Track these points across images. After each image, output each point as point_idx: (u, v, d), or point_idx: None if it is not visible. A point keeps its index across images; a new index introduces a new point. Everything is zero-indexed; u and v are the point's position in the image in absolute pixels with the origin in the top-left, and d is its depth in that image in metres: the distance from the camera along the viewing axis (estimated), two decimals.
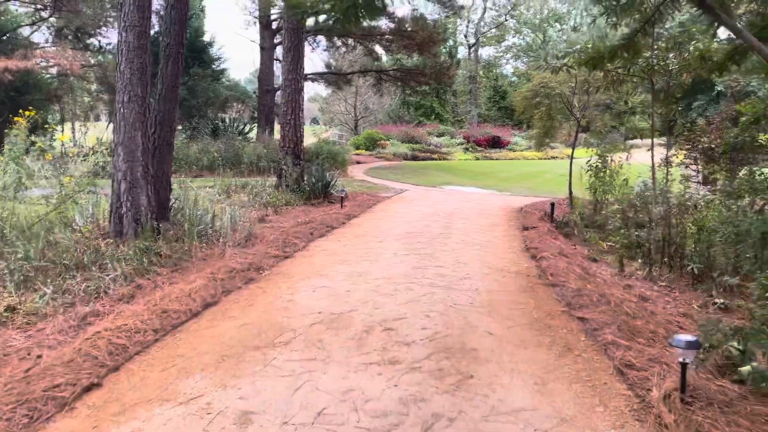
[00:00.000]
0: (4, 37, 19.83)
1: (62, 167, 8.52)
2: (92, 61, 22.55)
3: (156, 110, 7.63)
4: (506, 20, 46.83)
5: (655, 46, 6.76)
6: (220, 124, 19.82)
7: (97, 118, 32.09)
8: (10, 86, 17.51)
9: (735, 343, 4.05)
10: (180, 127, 20.22)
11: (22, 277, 5.29)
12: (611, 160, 10.26)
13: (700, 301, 5.88)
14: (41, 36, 23.31)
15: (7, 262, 5.40)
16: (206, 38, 24.62)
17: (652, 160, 7.19)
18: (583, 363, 3.97)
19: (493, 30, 47.03)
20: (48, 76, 21.92)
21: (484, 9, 45.04)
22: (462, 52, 44.08)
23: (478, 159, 27.51)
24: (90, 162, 14.10)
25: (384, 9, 3.55)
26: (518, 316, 4.90)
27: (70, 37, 22.44)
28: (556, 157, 28.94)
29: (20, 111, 7.89)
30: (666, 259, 6.89)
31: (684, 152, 11.52)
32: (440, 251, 7.42)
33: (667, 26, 6.71)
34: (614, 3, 4.13)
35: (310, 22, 20.42)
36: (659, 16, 4.07)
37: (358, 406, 3.28)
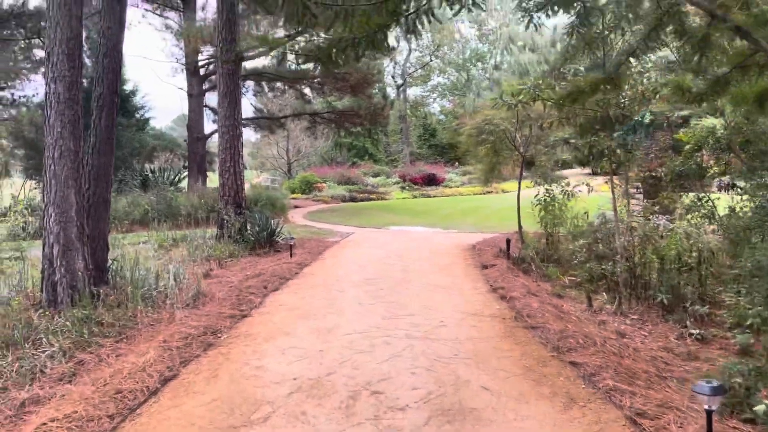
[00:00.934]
0: None
1: None
2: (5, 116, 21.23)
3: (90, 165, 7.03)
4: (431, 60, 48.14)
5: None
6: (149, 175, 18.94)
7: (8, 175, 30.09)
8: None
9: (739, 379, 3.93)
10: None
11: None
12: (564, 193, 10.32)
13: (675, 333, 5.83)
14: None
15: None
16: (129, 87, 23.75)
17: (612, 192, 7.21)
18: (591, 415, 3.72)
19: (419, 70, 48.19)
20: None
21: (410, 50, 46.17)
22: (391, 93, 44.82)
23: (415, 197, 27.60)
24: (9, 223, 13.02)
25: (388, 49, 3.29)
26: (509, 365, 4.63)
27: None
28: (491, 192, 29.48)
29: None
30: (632, 291, 6.86)
31: (618, 182, 11.82)
32: (406, 297, 7.11)
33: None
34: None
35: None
36: (644, 47, 3.99)
37: None
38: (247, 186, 22.08)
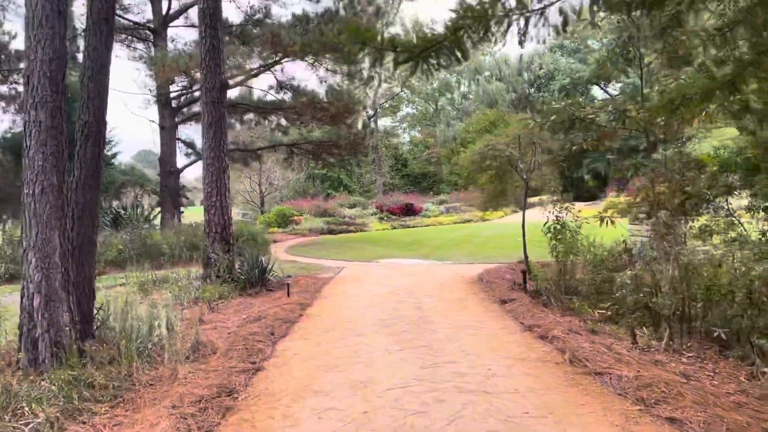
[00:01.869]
0: None
1: None
2: None
3: (74, 202, 6.18)
4: (401, 91, 48.20)
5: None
6: (121, 212, 17.88)
7: None
8: None
9: None
10: None
11: None
12: (574, 219, 9.83)
13: (744, 372, 5.27)
14: None
15: None
16: None
17: (649, 217, 6.69)
18: None
19: (389, 102, 48.15)
20: None
21: (380, 80, 46.16)
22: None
23: (395, 228, 26.99)
24: None
25: (466, 57, 2.75)
26: (595, 426, 3.96)
27: None
28: (470, 221, 29.13)
29: None
30: (682, 326, 6.31)
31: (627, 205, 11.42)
32: (435, 341, 6.40)
33: None
34: None
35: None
36: None
37: None
38: None
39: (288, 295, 9.62)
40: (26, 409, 4.56)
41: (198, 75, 21.23)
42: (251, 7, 20.55)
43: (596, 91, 47.58)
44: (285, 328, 7.41)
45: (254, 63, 21.03)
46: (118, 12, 20.26)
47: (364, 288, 10.51)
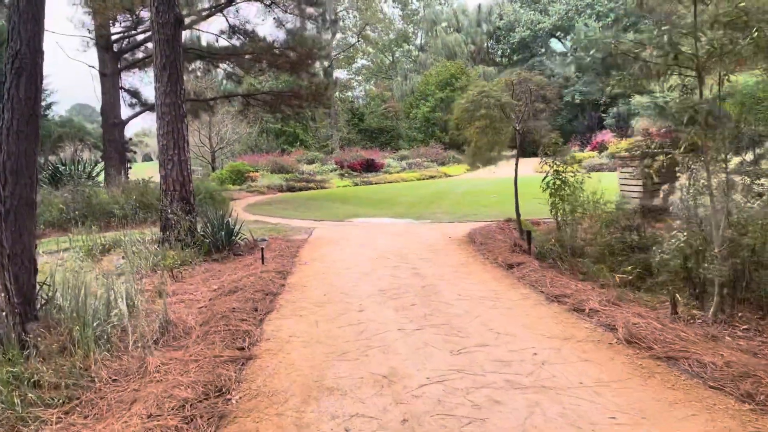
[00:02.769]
0: None
1: None
2: None
3: (6, 153, 4.85)
4: (358, 41, 46.19)
5: None
6: (60, 168, 16.05)
7: None
8: None
9: None
10: None
11: None
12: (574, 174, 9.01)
13: None
14: None
15: None
16: None
17: (708, 170, 5.81)
18: None
19: (343, 53, 46.14)
20: None
21: (334, 32, 44.04)
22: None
23: (357, 185, 25.83)
24: None
25: None
26: None
27: None
28: (434, 177, 28.27)
29: None
30: (732, 293, 5.58)
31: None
32: (454, 316, 5.47)
33: None
34: None
35: None
36: None
37: None
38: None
39: (262, 261, 8.49)
40: None
41: (144, 13, 19.29)
42: None
43: (555, 44, 47.02)
44: (269, 302, 6.34)
45: (205, 3, 19.18)
46: None
47: (348, 252, 9.47)
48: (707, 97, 5.58)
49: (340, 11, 37.71)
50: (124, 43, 19.34)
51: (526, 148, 10.51)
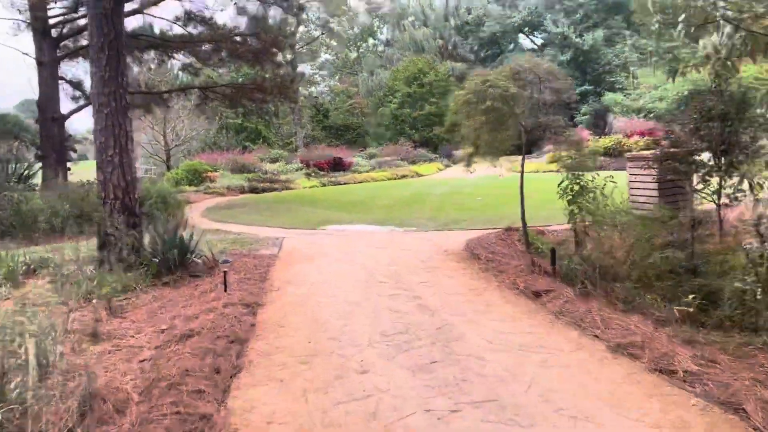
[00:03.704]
0: None
1: None
2: None
3: None
4: (322, 34, 44.26)
5: None
6: None
7: None
8: None
9: None
10: None
11: None
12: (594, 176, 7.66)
13: None
14: None
15: None
16: None
17: None
18: None
19: (306, 47, 44.18)
20: None
21: (297, 23, 42.07)
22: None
23: (325, 185, 24.14)
24: None
25: None
26: None
27: None
28: (406, 176, 26.79)
29: None
30: None
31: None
32: (497, 384, 3.94)
33: None
34: None
35: None
36: None
37: None
38: None
39: (225, 288, 6.83)
40: None
41: None
42: None
43: (523, 41, 46.19)
44: (235, 357, 4.72)
45: None
46: None
47: (329, 270, 7.88)
48: None
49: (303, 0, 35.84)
50: (65, 28, 17.19)
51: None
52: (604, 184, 7.77)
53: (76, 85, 18.96)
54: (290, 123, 38.29)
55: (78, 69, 19.08)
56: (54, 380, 3.96)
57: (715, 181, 7.06)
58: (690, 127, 7.80)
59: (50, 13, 16.70)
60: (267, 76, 17.98)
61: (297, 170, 26.38)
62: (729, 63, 4.90)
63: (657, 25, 4.64)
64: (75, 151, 19.10)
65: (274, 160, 28.21)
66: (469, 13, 43.96)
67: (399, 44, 44.24)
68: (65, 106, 18.37)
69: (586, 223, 7.47)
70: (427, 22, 44.36)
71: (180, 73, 24.42)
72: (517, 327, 5.18)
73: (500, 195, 15.84)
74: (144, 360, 4.84)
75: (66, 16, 17.01)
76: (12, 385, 3.71)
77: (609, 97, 32.66)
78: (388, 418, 3.49)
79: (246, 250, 9.50)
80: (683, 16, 4.12)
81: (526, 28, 43.57)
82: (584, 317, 5.25)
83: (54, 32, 16.96)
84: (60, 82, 17.74)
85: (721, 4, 3.84)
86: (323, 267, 8.12)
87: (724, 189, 6.89)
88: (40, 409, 3.54)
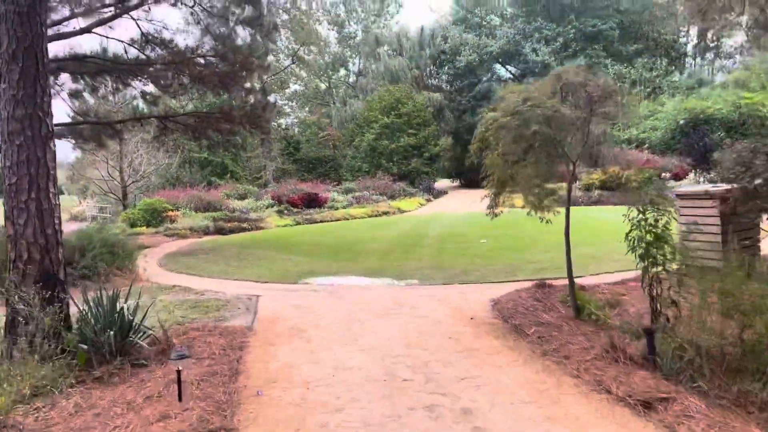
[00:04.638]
0: None
1: None
2: None
3: None
4: (294, 62, 42.50)
5: None
6: None
7: None
8: None
9: None
10: None
11: None
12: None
13: None
14: None
15: None
16: None
17: None
18: None
19: (274, 76, 42.32)
20: None
21: (266, 50, 40.23)
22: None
23: (299, 223, 21.95)
24: None
25: None
26: None
27: None
28: (388, 213, 24.80)
29: None
30: None
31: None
32: None
33: None
34: None
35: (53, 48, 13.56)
36: None
37: None
38: (69, 222, 15.26)
39: (179, 396, 4.66)
40: None
41: None
42: None
43: (499, 70, 45.25)
44: None
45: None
46: None
47: (327, 359, 5.76)
48: None
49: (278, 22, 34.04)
50: None
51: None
52: (690, 230, 5.94)
53: None
54: (259, 156, 36.11)
55: None
56: None
57: None
58: None
59: None
60: (235, 104, 15.93)
61: (268, 207, 24.16)
62: None
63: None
64: None
65: (242, 197, 25.92)
66: (445, 42, 42.80)
67: (374, 74, 42.69)
68: None
69: (666, 284, 5.59)
70: (403, 51, 43.06)
71: (140, 102, 22.14)
72: None
73: (504, 236, 13.97)
74: None
75: None
76: None
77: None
78: None
79: (211, 320, 7.32)
80: None
81: (501, 58, 42.62)
82: None
83: None
84: None
85: None
86: (318, 351, 5.99)
87: None
88: None
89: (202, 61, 14.60)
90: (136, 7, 15.53)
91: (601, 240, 12.24)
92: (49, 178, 6.15)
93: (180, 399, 4.61)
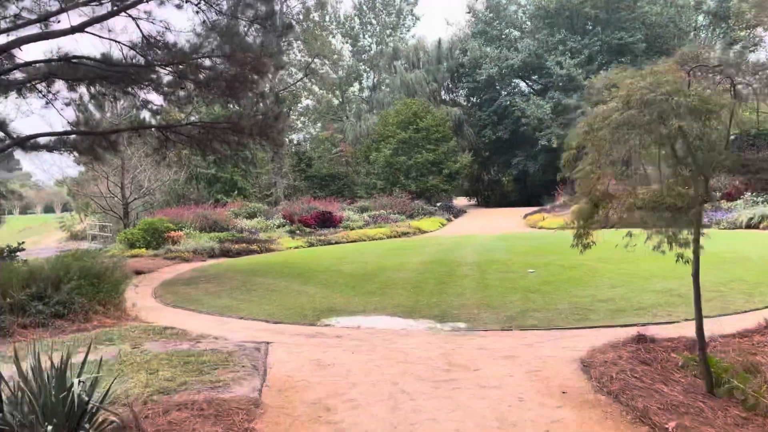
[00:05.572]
0: None
1: None
2: None
3: None
4: (306, 75, 41.03)
5: None
6: None
7: None
8: None
9: None
10: None
11: None
12: None
13: None
14: None
15: None
16: None
17: None
18: None
19: (285, 91, 40.78)
20: None
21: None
22: None
23: (313, 245, 20.12)
24: None
25: None
26: None
27: None
28: (408, 233, 22.92)
29: None
30: None
31: None
32: None
33: None
34: None
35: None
36: None
37: None
38: (57, 239, 13.60)
39: None
40: None
41: (13, 8, 13.48)
42: None
43: (519, 84, 43.53)
44: None
45: None
46: None
47: None
48: None
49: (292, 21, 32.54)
50: None
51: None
52: None
53: None
54: (269, 173, 34.41)
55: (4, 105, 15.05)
56: None
57: None
58: None
59: None
60: (244, 112, 14.20)
61: (279, 227, 22.36)
62: None
63: None
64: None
65: (251, 216, 24.14)
66: (464, 55, 41.18)
67: (390, 87, 41.09)
68: None
69: None
70: (420, 64, 41.49)
71: (141, 113, 20.52)
72: None
73: (553, 265, 12.06)
74: None
75: None
76: None
77: None
78: None
79: (205, 388, 5.42)
80: None
81: (522, 72, 40.91)
82: None
83: None
84: None
85: None
86: None
87: None
88: None
89: (207, 63, 12.90)
90: (135, 3, 13.95)
91: (674, 271, 10.25)
92: None
93: None
